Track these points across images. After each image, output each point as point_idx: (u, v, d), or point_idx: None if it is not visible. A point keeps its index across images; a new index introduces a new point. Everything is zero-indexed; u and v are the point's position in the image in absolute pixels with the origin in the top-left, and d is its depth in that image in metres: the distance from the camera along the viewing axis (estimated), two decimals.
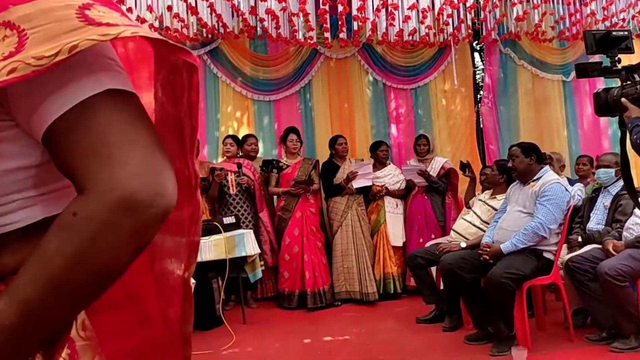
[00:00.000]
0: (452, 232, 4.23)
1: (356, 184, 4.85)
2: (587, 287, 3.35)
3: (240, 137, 5.14)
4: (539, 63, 6.03)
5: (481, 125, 6.10)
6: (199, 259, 3.64)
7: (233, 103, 5.58)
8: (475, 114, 6.09)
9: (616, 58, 2.03)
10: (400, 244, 5.00)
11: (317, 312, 4.58)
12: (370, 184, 4.93)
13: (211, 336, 3.93)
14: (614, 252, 3.33)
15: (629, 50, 2.05)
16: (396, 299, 4.92)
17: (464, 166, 4.78)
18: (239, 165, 4.72)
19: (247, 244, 4.19)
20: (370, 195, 5.05)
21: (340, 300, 4.80)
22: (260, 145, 5.50)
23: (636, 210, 3.41)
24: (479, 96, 6.29)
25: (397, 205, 5.09)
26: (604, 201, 3.84)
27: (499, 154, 5.77)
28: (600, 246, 3.52)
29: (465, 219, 4.19)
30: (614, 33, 2.00)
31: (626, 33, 2.02)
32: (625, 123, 1.98)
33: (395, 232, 5.00)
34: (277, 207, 5.00)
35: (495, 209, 3.96)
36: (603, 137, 6.20)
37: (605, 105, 2.10)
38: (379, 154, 5.16)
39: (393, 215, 5.04)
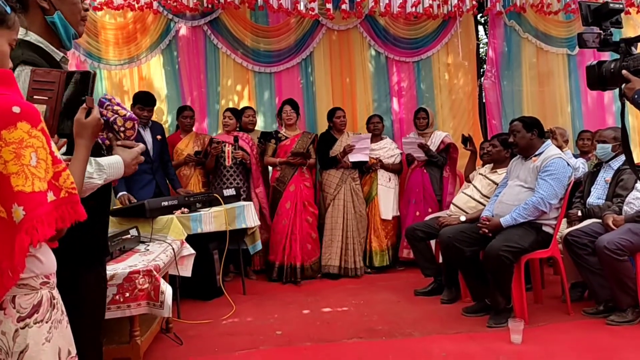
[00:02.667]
0: (451, 205, 4.23)
1: (352, 157, 4.83)
2: (585, 261, 3.36)
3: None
4: (543, 36, 5.93)
5: (484, 100, 6.03)
6: (199, 231, 3.72)
7: (234, 75, 5.51)
8: (478, 88, 6.02)
9: (608, 31, 2.00)
10: (390, 217, 5.02)
11: (315, 285, 4.63)
12: (366, 159, 4.92)
13: (211, 306, 3.98)
14: (613, 227, 3.34)
15: (619, 24, 2.02)
16: (391, 272, 4.97)
17: (466, 140, 4.76)
18: (236, 139, 4.70)
19: (247, 216, 4.21)
20: (365, 167, 5.04)
21: (328, 275, 4.80)
22: (261, 119, 5.47)
23: (637, 184, 3.41)
24: (482, 70, 6.21)
25: (389, 179, 5.09)
26: (605, 176, 3.83)
27: (501, 128, 5.72)
28: (600, 221, 3.52)
29: (465, 193, 4.18)
30: (610, 5, 1.97)
31: (621, 5, 1.99)
32: (629, 95, 1.96)
33: (386, 205, 5.01)
34: (271, 179, 4.99)
35: (496, 183, 3.96)
36: (607, 113, 6.14)
37: (599, 78, 2.08)
38: (370, 126, 5.16)
39: (385, 189, 5.05)
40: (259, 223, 4.44)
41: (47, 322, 1.20)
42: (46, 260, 1.23)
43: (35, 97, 1.35)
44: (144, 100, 4.28)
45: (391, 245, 5.07)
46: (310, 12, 4.92)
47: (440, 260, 4.03)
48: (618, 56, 2.03)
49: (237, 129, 4.94)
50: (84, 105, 1.40)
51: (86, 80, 1.41)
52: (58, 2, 1.51)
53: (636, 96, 1.91)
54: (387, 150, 5.13)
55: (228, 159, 4.72)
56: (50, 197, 1.11)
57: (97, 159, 1.51)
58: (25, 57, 1.44)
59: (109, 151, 1.64)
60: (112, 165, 1.54)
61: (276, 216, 4.81)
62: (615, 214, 3.46)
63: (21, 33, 1.45)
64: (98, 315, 1.77)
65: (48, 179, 1.12)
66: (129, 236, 3.17)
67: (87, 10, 1.61)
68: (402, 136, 5.48)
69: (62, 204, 1.14)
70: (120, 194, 3.96)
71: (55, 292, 1.26)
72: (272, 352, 3.04)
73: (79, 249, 1.58)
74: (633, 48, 2.03)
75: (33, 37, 1.50)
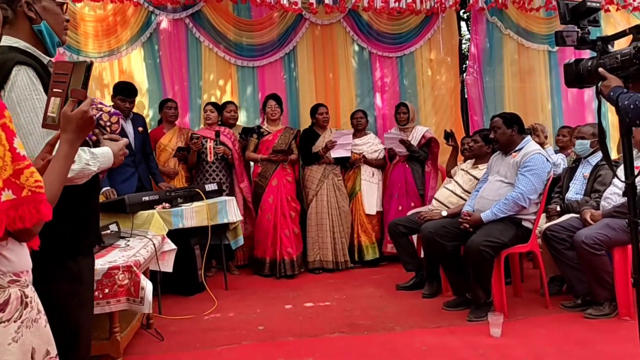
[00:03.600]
0: (433, 200, 4.26)
1: (334, 153, 4.84)
2: (563, 256, 3.41)
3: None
4: (525, 32, 5.98)
5: (466, 96, 6.07)
6: (181, 226, 3.69)
7: (216, 70, 5.46)
8: (460, 83, 6.06)
9: (586, 30, 2.03)
10: (374, 212, 5.05)
11: (298, 279, 4.63)
12: (348, 154, 4.93)
13: (193, 301, 3.97)
14: (591, 222, 3.39)
15: (596, 23, 2.05)
16: (374, 266, 4.99)
17: (448, 135, 4.79)
18: (217, 133, 4.67)
19: (230, 211, 4.19)
20: (348, 163, 5.06)
21: (314, 269, 4.82)
22: (244, 114, 5.45)
23: (615, 180, 3.46)
24: (464, 66, 6.25)
25: (373, 174, 5.12)
26: (583, 171, 3.88)
27: (483, 124, 5.75)
28: (578, 215, 3.58)
29: (447, 188, 4.22)
30: (588, 3, 2.00)
31: (598, 4, 2.01)
32: (605, 93, 1.99)
33: (370, 200, 5.04)
34: (253, 174, 4.98)
35: (477, 179, 3.99)
36: (587, 110, 6.21)
37: (576, 76, 2.11)
38: (353, 121, 5.17)
39: (369, 184, 5.07)
40: (241, 218, 4.43)
41: (15, 322, 1.15)
42: (16, 258, 1.18)
43: (54, 89, 1.34)
44: (126, 91, 4.20)
45: (377, 240, 5.10)
46: (294, 7, 4.89)
47: (422, 255, 4.07)
48: (596, 54, 2.06)
49: (219, 123, 4.91)
50: (71, 97, 1.34)
51: (81, 71, 1.36)
52: (43, 12, 1.60)
53: (612, 93, 1.94)
54: (371, 145, 5.14)
55: (210, 155, 4.70)
56: (7, 195, 1.07)
57: (90, 148, 1.59)
58: (19, 59, 1.50)
59: (96, 146, 1.67)
60: (104, 154, 1.61)
61: (260, 211, 4.81)
62: (593, 209, 3.52)
63: (12, 41, 1.55)
64: (93, 301, 1.83)
65: (5, 177, 1.07)
66: (108, 231, 3.13)
67: (68, 21, 1.71)
68: (385, 132, 5.49)
69: (23, 204, 1.09)
70: (105, 189, 3.91)
71: (29, 290, 1.21)
72: (254, 348, 3.04)
73: (76, 236, 1.64)
74: (610, 46, 2.06)
75: (21, 44, 1.57)
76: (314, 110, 5.07)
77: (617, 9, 5.84)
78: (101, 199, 3.91)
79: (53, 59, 1.69)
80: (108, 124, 1.76)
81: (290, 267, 4.68)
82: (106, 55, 5.13)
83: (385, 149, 5.19)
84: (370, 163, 5.10)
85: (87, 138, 1.66)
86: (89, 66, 1.37)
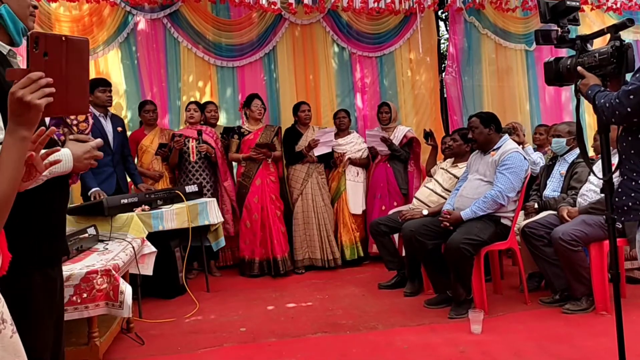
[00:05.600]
0: (414, 199, 4.28)
1: (317, 151, 4.85)
2: (542, 252, 3.46)
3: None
4: (502, 32, 6.06)
5: (445, 95, 6.12)
6: (161, 228, 3.65)
7: (195, 70, 5.41)
8: (440, 83, 6.10)
9: (566, 28, 2.07)
10: (359, 212, 5.07)
11: (280, 280, 4.62)
12: (330, 151, 4.94)
13: (174, 304, 3.93)
14: (568, 218, 3.45)
15: (576, 21, 2.09)
16: (357, 266, 5.00)
17: (427, 134, 4.83)
18: (199, 132, 4.64)
19: (210, 212, 4.16)
20: (332, 162, 5.06)
21: (303, 268, 4.84)
22: (224, 115, 5.42)
23: (590, 177, 3.52)
24: (443, 65, 6.30)
25: (357, 173, 5.14)
26: (560, 169, 3.94)
27: (462, 123, 5.80)
28: (555, 212, 3.63)
29: (427, 187, 4.24)
30: (567, 3, 2.03)
31: (577, 3, 2.05)
32: (583, 91, 2.03)
33: (355, 200, 5.06)
34: (237, 174, 4.96)
35: (457, 177, 4.03)
36: (564, 111, 6.30)
37: (556, 74, 2.15)
38: (336, 121, 5.19)
39: (353, 184, 5.09)
40: (222, 219, 4.40)
41: None
42: None
43: None
44: (103, 81, 4.16)
45: (360, 239, 5.11)
46: (273, 7, 4.88)
47: (404, 254, 4.09)
48: (574, 53, 2.10)
49: (202, 122, 4.88)
50: (7, 79, 1.16)
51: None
52: None
53: (589, 92, 1.98)
54: (354, 145, 5.16)
55: (192, 155, 4.66)
56: None
57: None
58: None
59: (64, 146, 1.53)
60: (57, 156, 1.39)
61: (245, 211, 4.78)
62: (570, 206, 3.58)
63: None
64: (49, 317, 1.62)
65: None
66: (86, 235, 3.08)
67: (36, 7, 1.56)
68: (366, 132, 5.50)
69: None
70: (93, 190, 3.83)
71: None
72: (236, 350, 3.02)
73: (25, 249, 1.45)
74: (588, 45, 2.10)
75: None
76: (296, 108, 5.08)
77: (592, 9, 5.94)
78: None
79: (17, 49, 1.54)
80: (75, 122, 1.60)
81: (281, 265, 4.68)
82: None
83: (368, 148, 5.20)
84: (355, 162, 5.11)
85: (56, 138, 1.52)
86: (30, 37, 1.15)
